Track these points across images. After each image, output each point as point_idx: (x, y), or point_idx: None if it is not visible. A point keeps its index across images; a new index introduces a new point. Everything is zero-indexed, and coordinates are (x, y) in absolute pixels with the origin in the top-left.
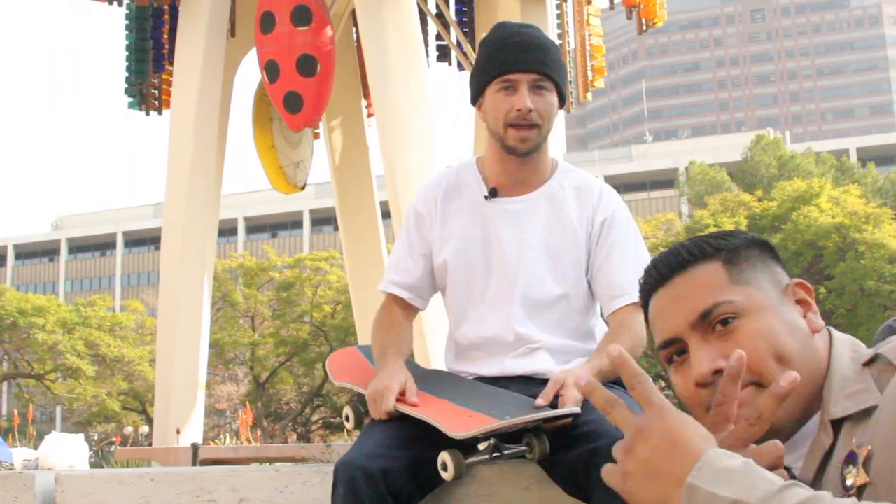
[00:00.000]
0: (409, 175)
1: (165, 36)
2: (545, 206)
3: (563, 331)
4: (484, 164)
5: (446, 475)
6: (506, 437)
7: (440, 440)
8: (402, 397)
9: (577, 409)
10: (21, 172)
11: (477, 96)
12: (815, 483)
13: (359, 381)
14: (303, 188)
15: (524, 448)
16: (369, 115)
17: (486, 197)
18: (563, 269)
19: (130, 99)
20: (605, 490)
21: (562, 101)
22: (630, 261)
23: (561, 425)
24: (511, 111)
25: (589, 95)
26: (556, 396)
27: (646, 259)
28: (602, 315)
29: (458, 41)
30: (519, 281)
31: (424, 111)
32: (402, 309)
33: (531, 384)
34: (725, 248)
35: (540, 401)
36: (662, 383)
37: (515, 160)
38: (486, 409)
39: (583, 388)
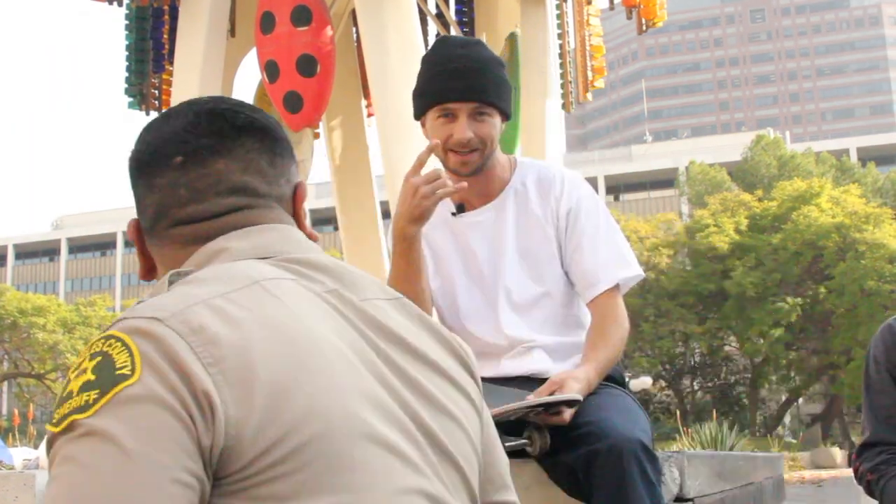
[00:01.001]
0: None
1: (165, 36)
2: (511, 209)
3: (553, 326)
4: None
5: None
6: (507, 430)
7: None
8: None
9: (580, 396)
10: (21, 172)
11: (419, 115)
12: None
13: None
14: None
15: (525, 441)
16: (369, 115)
17: (453, 214)
18: (539, 268)
19: (130, 99)
20: (606, 491)
21: (506, 117)
22: (601, 246)
23: (560, 423)
24: (450, 139)
25: (589, 95)
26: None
27: (620, 240)
28: None
29: None
30: (500, 288)
31: None
32: None
33: (529, 384)
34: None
35: (531, 397)
36: (662, 383)
37: (466, 178)
38: (487, 403)
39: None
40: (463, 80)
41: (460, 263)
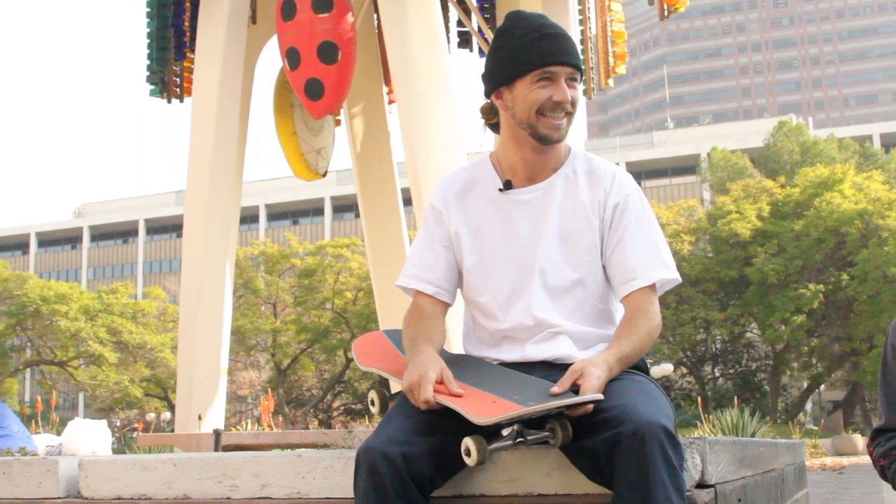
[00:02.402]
0: (430, 161)
1: (187, 23)
2: (559, 193)
3: (583, 316)
4: (498, 158)
5: (469, 461)
6: (529, 423)
7: (462, 426)
8: (439, 385)
9: (601, 396)
10: (43, 160)
11: (500, 86)
12: None
13: (384, 367)
14: (324, 175)
15: (547, 434)
16: (390, 102)
17: (500, 189)
18: (577, 254)
19: (152, 87)
20: (627, 476)
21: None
22: (643, 244)
23: (583, 412)
24: (548, 101)
25: (610, 82)
26: (575, 384)
27: (661, 243)
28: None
29: (479, 27)
30: (535, 269)
31: (446, 97)
32: (430, 305)
33: (553, 370)
34: None
35: (556, 388)
36: (684, 370)
37: (533, 150)
38: (510, 395)
39: None
40: (562, 45)
41: (501, 240)
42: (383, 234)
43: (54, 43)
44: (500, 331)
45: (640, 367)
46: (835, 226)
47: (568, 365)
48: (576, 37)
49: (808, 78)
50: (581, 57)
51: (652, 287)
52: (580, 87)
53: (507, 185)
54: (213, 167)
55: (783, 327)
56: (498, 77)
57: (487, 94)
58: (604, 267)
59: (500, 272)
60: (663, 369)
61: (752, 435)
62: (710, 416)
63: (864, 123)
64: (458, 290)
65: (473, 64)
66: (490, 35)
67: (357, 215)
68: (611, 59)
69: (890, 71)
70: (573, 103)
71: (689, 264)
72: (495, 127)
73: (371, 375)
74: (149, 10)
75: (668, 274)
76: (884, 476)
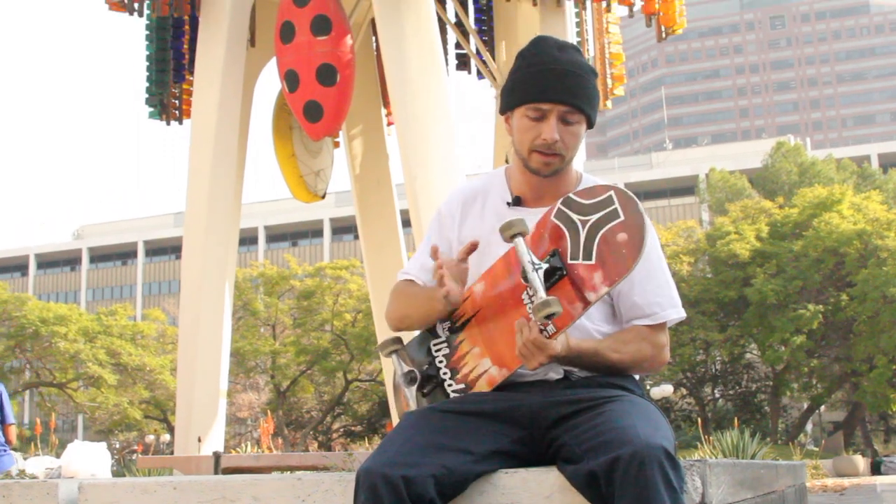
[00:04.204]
0: (429, 183)
1: (186, 46)
2: None
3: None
4: (511, 174)
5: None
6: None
7: (466, 448)
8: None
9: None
10: (42, 182)
11: (506, 110)
12: None
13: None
14: (323, 197)
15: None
16: (389, 124)
17: (508, 204)
18: None
19: (151, 109)
20: (628, 499)
21: (590, 126)
22: (653, 283)
23: (578, 422)
24: (537, 139)
25: (609, 103)
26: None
27: (669, 279)
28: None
29: (477, 50)
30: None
31: (444, 119)
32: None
33: (541, 386)
34: None
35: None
36: (683, 391)
37: (537, 178)
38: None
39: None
40: (558, 83)
41: (498, 254)
42: (382, 256)
43: (53, 64)
44: None
45: (627, 388)
46: (834, 246)
47: (560, 379)
48: None
49: (805, 99)
50: (596, 93)
51: (661, 325)
52: (579, 128)
53: (517, 202)
54: (212, 189)
55: (783, 348)
56: (504, 101)
57: (501, 113)
58: (611, 299)
59: None
60: (663, 391)
61: (753, 456)
62: (711, 438)
63: (861, 144)
64: None
65: (472, 86)
66: (487, 57)
67: (356, 237)
68: (609, 81)
69: (887, 91)
70: (566, 145)
71: (688, 285)
72: None
73: (369, 397)
74: (148, 32)
75: (675, 314)
76: None
